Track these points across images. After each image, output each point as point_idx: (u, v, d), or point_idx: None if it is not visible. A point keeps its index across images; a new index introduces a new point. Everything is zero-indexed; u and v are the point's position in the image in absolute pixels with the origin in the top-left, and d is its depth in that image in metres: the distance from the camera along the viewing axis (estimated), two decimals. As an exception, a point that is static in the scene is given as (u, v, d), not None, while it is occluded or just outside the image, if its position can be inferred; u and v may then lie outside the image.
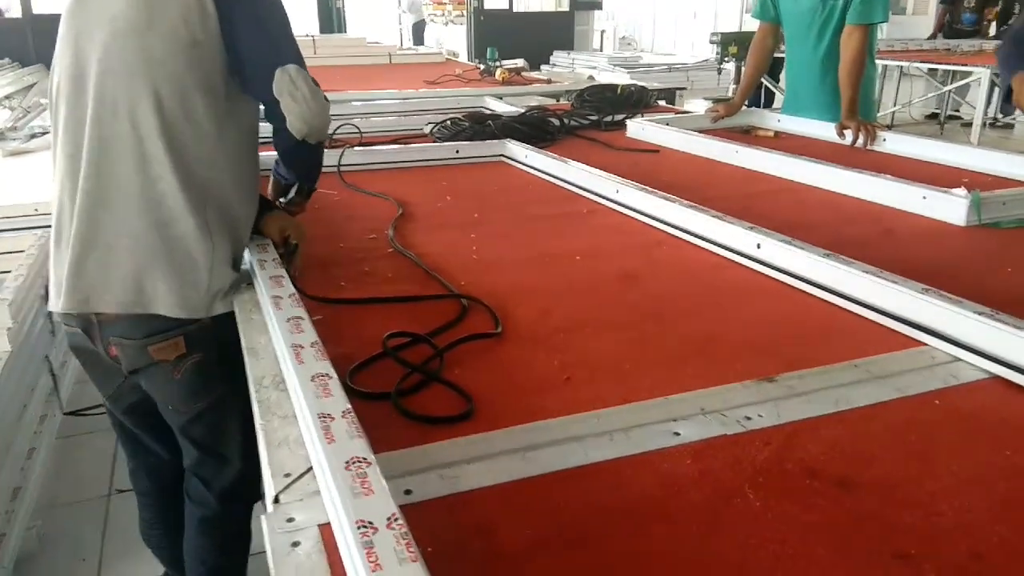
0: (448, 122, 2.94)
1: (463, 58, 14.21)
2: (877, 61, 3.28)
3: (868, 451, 0.93)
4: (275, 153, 1.57)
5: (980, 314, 1.14)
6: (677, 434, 0.96)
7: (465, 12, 14.95)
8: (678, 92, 4.98)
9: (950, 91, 7.74)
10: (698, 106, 8.10)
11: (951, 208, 1.88)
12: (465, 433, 0.97)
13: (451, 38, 15.21)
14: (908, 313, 1.25)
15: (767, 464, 0.90)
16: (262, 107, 1.47)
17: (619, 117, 3.30)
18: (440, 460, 0.90)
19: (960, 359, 1.15)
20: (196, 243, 1.37)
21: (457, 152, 2.65)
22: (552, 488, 0.86)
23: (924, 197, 1.95)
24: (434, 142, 2.81)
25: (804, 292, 1.44)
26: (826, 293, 1.40)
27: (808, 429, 0.97)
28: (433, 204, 2.15)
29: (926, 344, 1.20)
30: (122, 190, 1.35)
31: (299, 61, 1.43)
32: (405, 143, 2.83)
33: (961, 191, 1.88)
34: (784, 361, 1.14)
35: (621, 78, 6.18)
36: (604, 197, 2.09)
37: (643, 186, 1.98)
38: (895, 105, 8.43)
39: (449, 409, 1.02)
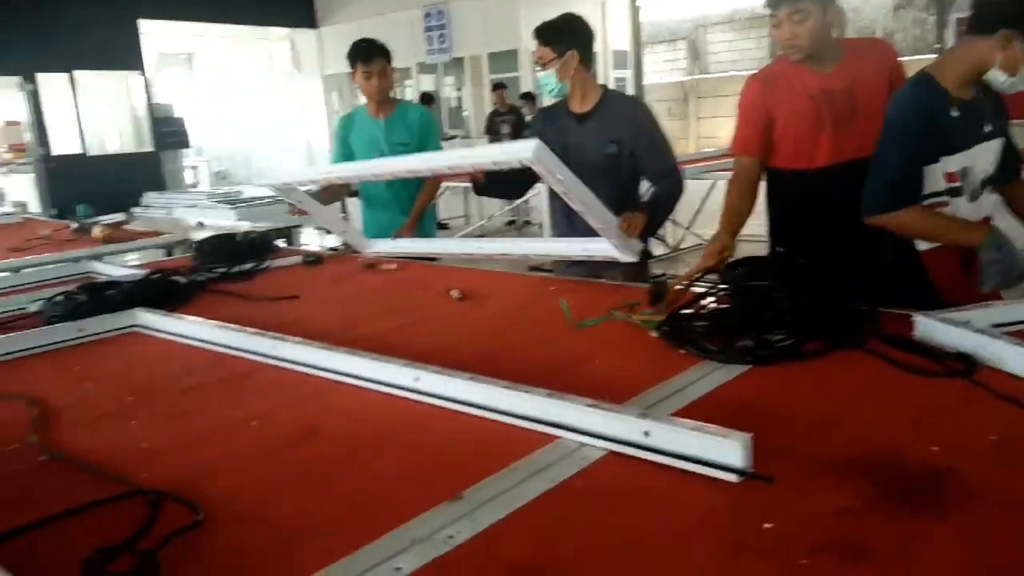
0: (61, 297, 2.72)
1: (33, 207, 12.68)
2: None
3: (551, 535, 1.20)
4: None
5: (588, 405, 1.52)
6: (399, 568, 1.11)
7: (28, 158, 13.39)
8: (294, 230, 5.17)
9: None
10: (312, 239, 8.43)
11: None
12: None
13: (15, 188, 13.48)
14: (540, 414, 1.58)
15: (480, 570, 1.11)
16: None
17: (247, 266, 3.38)
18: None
19: (584, 444, 1.50)
20: None
21: (82, 330, 2.47)
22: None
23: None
24: (49, 323, 2.57)
25: (460, 413, 1.70)
26: (477, 410, 1.68)
27: (502, 531, 1.21)
28: (74, 395, 2.00)
29: (560, 437, 1.54)
30: None
31: None
32: (9, 329, 2.54)
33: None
34: (465, 479, 1.37)
35: (226, 215, 6.19)
36: (260, 353, 2.17)
37: (297, 338, 2.11)
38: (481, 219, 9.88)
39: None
